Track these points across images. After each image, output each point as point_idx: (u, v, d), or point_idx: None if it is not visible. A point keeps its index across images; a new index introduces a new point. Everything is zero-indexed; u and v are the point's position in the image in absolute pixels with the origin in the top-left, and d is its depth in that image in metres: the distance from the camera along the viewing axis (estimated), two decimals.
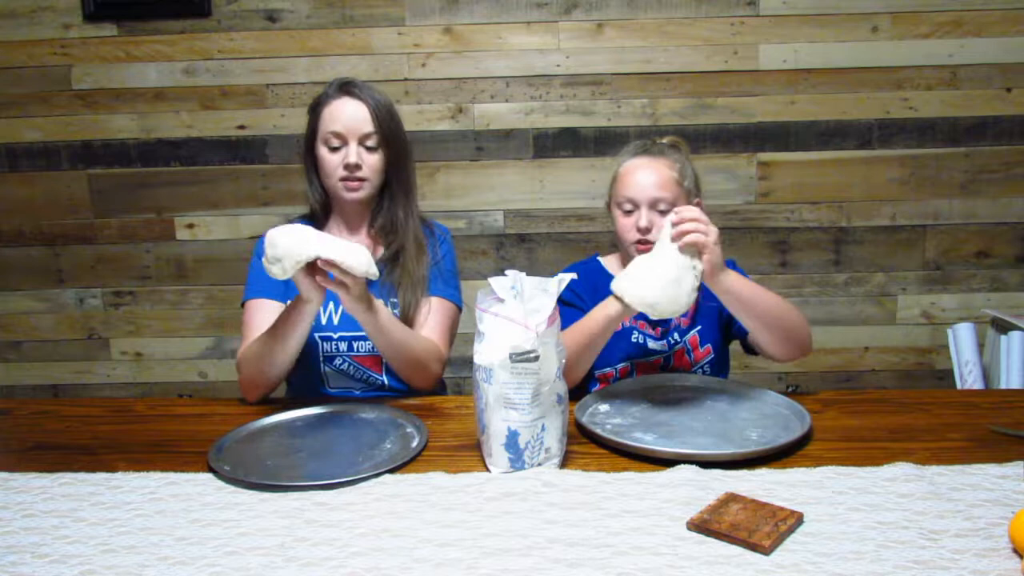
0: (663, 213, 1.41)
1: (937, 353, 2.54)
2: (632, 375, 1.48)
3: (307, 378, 1.48)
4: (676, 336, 1.49)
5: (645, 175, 1.43)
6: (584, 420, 1.22)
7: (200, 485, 1.05)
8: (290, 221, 1.53)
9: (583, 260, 1.62)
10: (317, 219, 1.52)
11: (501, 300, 1.07)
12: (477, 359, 1.07)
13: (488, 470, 1.09)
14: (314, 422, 1.28)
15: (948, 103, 2.41)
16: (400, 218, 1.50)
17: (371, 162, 1.44)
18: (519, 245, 2.52)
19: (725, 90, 2.42)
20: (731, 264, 1.44)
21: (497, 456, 1.07)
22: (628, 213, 1.44)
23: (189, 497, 1.02)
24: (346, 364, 1.47)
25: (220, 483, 1.06)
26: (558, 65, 2.41)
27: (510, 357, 1.03)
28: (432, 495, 1.01)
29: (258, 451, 1.17)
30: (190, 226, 2.53)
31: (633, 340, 1.48)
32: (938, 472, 1.03)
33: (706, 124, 2.44)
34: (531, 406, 1.05)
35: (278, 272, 1.21)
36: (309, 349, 1.42)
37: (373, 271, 1.23)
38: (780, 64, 2.40)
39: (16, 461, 1.15)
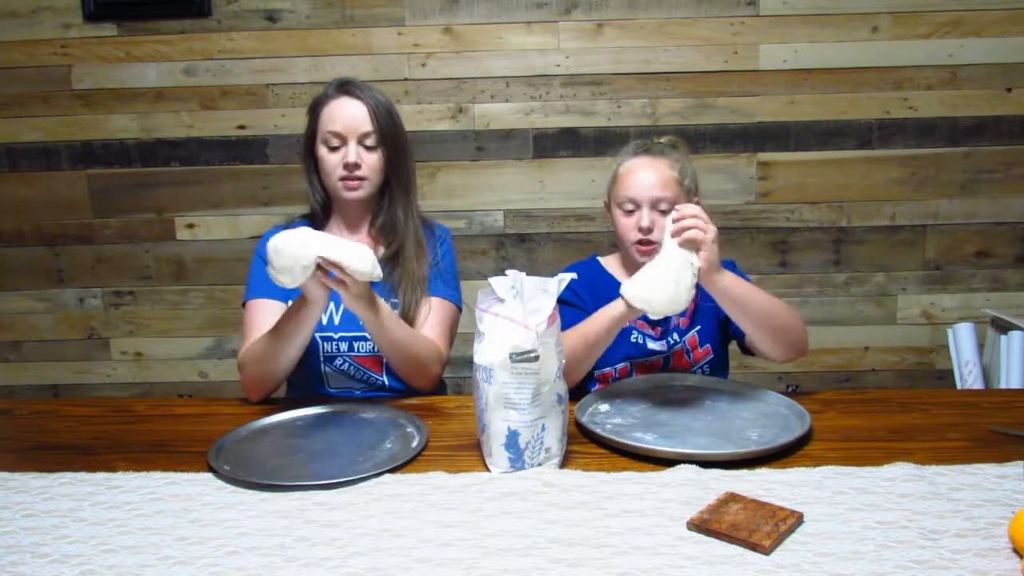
0: (664, 213, 1.40)
1: (937, 353, 2.54)
2: (631, 375, 1.48)
3: (307, 378, 1.48)
4: (675, 336, 1.49)
5: (646, 175, 1.43)
6: (584, 420, 1.22)
7: (200, 485, 1.05)
8: (290, 222, 1.54)
9: (583, 260, 1.62)
10: (318, 219, 1.52)
11: (501, 300, 1.07)
12: (477, 359, 1.07)
13: (488, 470, 1.09)
14: (314, 422, 1.28)
15: (948, 103, 2.41)
16: (400, 218, 1.50)
17: (370, 161, 1.44)
18: (519, 245, 2.52)
19: (725, 90, 2.42)
20: (731, 265, 1.45)
21: (497, 456, 1.07)
22: (629, 213, 1.44)
23: (189, 497, 1.02)
24: (346, 364, 1.47)
25: (220, 483, 1.06)
26: (558, 65, 2.41)
27: (510, 357, 1.03)
28: (432, 495, 1.01)
29: (258, 451, 1.17)
30: (190, 226, 2.53)
31: (633, 340, 1.48)
32: (938, 472, 1.03)
33: (706, 124, 2.44)
34: (531, 406, 1.05)
35: (287, 281, 1.21)
36: (310, 349, 1.42)
37: (378, 272, 1.23)
38: (780, 64, 2.40)
39: (16, 461, 1.15)
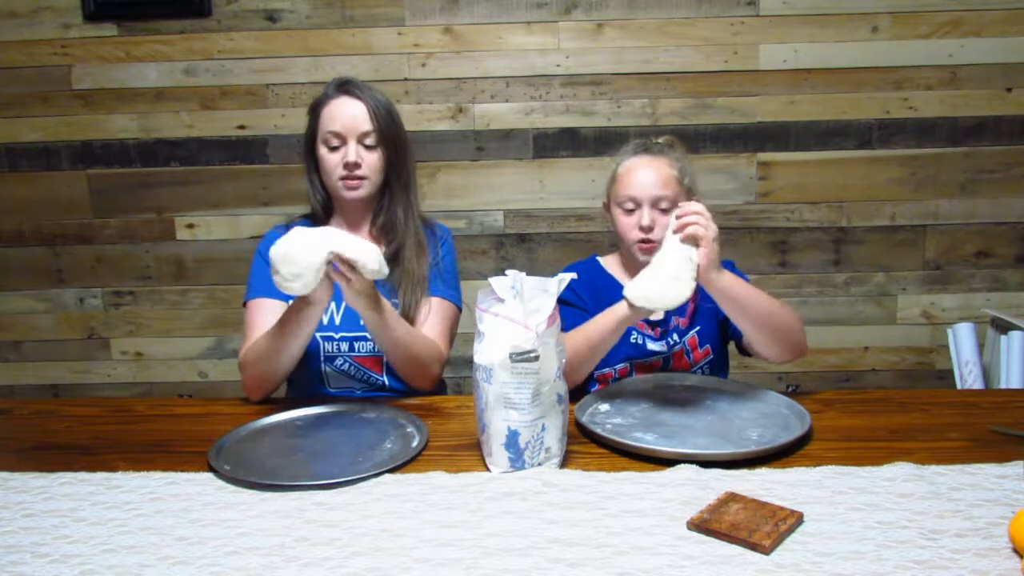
0: (665, 211, 1.41)
1: (937, 353, 2.54)
2: (631, 376, 1.48)
3: (307, 378, 1.48)
4: (675, 337, 1.49)
5: (646, 174, 1.43)
6: (584, 420, 1.22)
7: (200, 485, 1.05)
8: (290, 222, 1.54)
9: (583, 260, 1.62)
10: (318, 219, 1.53)
11: (501, 300, 1.07)
12: (477, 359, 1.07)
13: (488, 470, 1.09)
14: (314, 422, 1.28)
15: (948, 103, 2.41)
16: (400, 217, 1.50)
17: (370, 160, 1.44)
18: (519, 245, 2.52)
19: (725, 90, 2.42)
20: (730, 265, 1.45)
21: (497, 456, 1.07)
22: (629, 212, 1.44)
23: (189, 497, 1.02)
24: (347, 364, 1.47)
25: (220, 483, 1.06)
26: (558, 65, 2.41)
27: (510, 357, 1.03)
28: (432, 495, 1.01)
29: (258, 451, 1.17)
30: (190, 226, 2.53)
31: (632, 341, 1.48)
32: (938, 472, 1.03)
33: (706, 124, 2.44)
34: (531, 406, 1.05)
35: (298, 288, 1.19)
36: (310, 349, 1.42)
37: (385, 270, 1.23)
38: (780, 64, 2.40)
39: (16, 461, 1.15)
